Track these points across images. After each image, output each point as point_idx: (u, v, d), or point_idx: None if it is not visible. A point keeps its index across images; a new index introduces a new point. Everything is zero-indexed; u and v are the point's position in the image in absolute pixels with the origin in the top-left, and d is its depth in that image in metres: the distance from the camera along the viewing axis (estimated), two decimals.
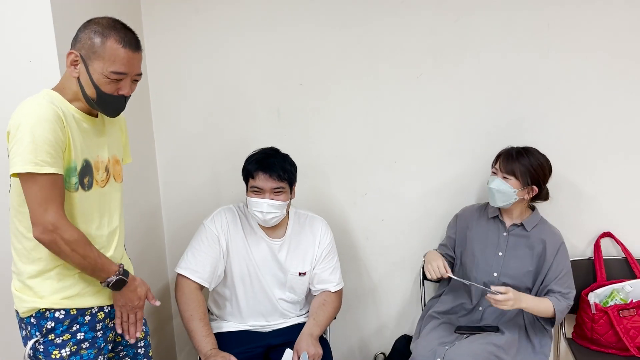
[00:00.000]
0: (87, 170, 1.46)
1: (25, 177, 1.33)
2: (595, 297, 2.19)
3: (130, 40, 1.43)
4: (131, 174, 2.21)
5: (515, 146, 2.09)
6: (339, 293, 2.12)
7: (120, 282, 1.49)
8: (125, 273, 1.51)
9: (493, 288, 1.90)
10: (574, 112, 2.26)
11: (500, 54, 2.25)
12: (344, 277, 2.41)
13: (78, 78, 1.43)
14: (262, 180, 1.91)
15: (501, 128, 2.30)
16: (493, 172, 2.09)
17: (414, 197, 2.41)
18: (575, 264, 2.28)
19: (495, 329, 2.04)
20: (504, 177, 2.03)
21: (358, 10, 2.28)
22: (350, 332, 2.58)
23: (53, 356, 1.45)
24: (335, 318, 2.18)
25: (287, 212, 2.06)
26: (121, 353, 1.66)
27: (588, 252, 2.35)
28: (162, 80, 2.39)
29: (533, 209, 2.14)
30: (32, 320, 1.45)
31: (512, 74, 2.26)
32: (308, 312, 2.12)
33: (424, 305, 2.38)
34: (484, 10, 2.23)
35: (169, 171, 2.49)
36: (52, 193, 1.34)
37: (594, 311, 2.16)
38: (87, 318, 1.50)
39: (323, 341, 2.02)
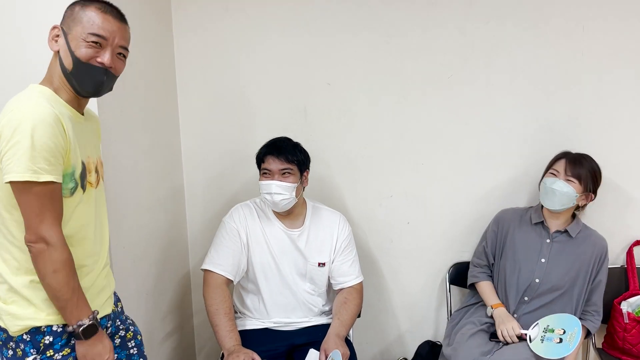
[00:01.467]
0: (84, 172, 1.37)
1: (21, 186, 1.22)
2: (627, 306, 2.13)
3: (112, 10, 1.36)
4: (156, 172, 2.23)
5: (572, 151, 2.07)
6: (359, 288, 2.11)
7: (92, 329, 1.33)
8: (90, 329, 1.33)
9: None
10: (607, 116, 2.22)
11: (533, 56, 2.22)
12: (367, 279, 2.39)
13: (58, 52, 1.33)
14: (270, 163, 1.97)
15: (532, 132, 2.26)
16: (552, 173, 2.03)
17: (440, 200, 2.38)
18: (608, 271, 2.23)
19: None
20: (568, 180, 1.98)
21: (388, 10, 2.27)
22: (372, 335, 2.54)
23: None
24: (359, 316, 2.16)
25: (303, 200, 2.10)
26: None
27: (620, 260, 2.29)
28: (189, 79, 2.40)
29: (574, 216, 2.11)
30: (25, 337, 1.31)
31: (544, 76, 2.23)
32: (331, 311, 2.11)
33: (450, 311, 2.34)
34: (516, 12, 2.20)
35: (194, 169, 2.49)
36: (50, 203, 1.25)
37: (626, 320, 2.10)
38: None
39: (347, 342, 2.00)
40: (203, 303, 2.06)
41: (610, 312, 2.19)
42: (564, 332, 1.89)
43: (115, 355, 1.52)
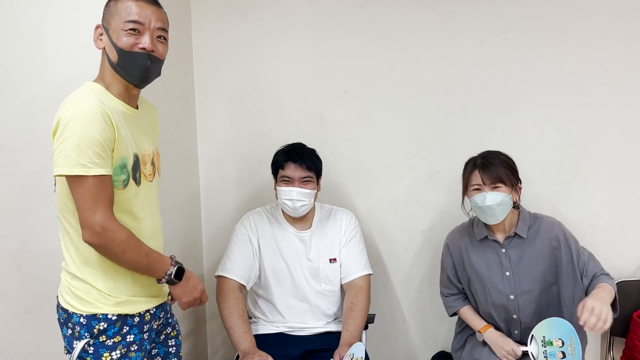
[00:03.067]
0: (137, 165, 1.42)
1: (72, 179, 1.29)
2: None
3: None
4: (173, 177, 2.24)
5: (474, 155, 1.97)
6: (366, 286, 2.08)
7: (179, 271, 1.45)
8: (179, 271, 1.46)
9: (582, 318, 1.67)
10: (628, 126, 2.20)
11: (552, 66, 2.21)
12: (380, 288, 2.40)
13: (104, 49, 1.40)
14: (291, 170, 1.99)
15: (551, 142, 2.24)
16: (476, 188, 1.89)
17: (456, 209, 2.34)
18: (625, 285, 2.21)
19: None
20: (494, 188, 1.86)
21: (406, 19, 2.29)
22: (384, 345, 2.51)
23: (103, 358, 1.40)
24: (372, 322, 2.16)
25: (314, 205, 2.11)
26: (153, 351, 1.60)
27: (638, 274, 2.25)
28: (207, 85, 2.43)
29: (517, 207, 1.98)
30: (82, 320, 1.39)
31: (563, 86, 2.22)
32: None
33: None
34: (535, 22, 2.21)
35: (210, 175, 2.51)
36: (100, 194, 1.30)
37: None
38: (137, 319, 1.45)
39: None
40: (216, 309, 2.07)
41: (629, 326, 2.15)
42: (563, 344, 1.80)
43: (156, 350, 1.59)
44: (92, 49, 1.75)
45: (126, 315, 1.42)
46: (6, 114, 1.85)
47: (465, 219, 2.13)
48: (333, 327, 2.09)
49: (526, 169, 2.15)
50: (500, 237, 1.97)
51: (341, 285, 2.12)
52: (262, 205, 2.24)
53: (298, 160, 1.99)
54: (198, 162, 2.50)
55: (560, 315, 1.91)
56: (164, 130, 2.16)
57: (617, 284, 2.16)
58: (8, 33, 1.81)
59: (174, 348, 1.65)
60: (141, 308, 1.45)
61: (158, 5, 1.44)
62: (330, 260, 2.09)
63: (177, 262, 1.46)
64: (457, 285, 2.11)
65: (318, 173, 2.06)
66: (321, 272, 2.08)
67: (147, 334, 1.49)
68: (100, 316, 1.39)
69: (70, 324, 1.42)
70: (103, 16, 1.42)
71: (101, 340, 1.40)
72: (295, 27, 2.35)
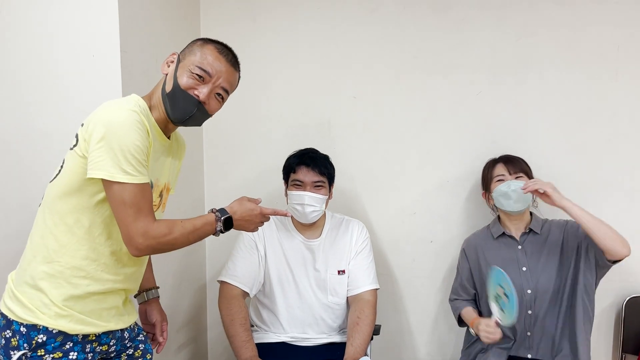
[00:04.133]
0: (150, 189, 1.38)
1: (113, 185, 1.24)
2: None
3: (229, 54, 1.42)
4: (178, 182, 2.19)
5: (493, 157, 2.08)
6: (373, 301, 2.02)
7: (227, 222, 1.40)
8: (222, 211, 1.41)
9: None
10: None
11: (565, 75, 2.18)
12: (386, 298, 2.34)
13: (165, 76, 1.40)
14: (303, 174, 1.95)
15: (563, 152, 2.20)
16: (500, 179, 1.98)
17: (465, 219, 2.32)
18: (637, 300, 2.18)
19: None
20: (518, 177, 1.96)
21: (417, 26, 2.26)
22: (390, 358, 2.45)
23: None
24: (378, 333, 2.11)
25: (324, 212, 2.07)
26: None
27: None
28: None
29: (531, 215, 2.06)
30: (22, 329, 1.28)
31: (576, 95, 2.18)
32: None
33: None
34: (548, 30, 2.17)
35: (215, 180, 2.47)
36: (144, 202, 1.27)
37: None
38: (80, 337, 1.33)
39: None
40: (218, 317, 2.02)
41: None
42: (504, 291, 1.77)
43: None
44: (100, 49, 1.74)
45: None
46: (11, 111, 1.81)
47: (476, 227, 2.12)
48: (337, 338, 2.04)
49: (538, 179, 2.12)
50: (516, 234, 2.01)
51: (347, 298, 2.07)
52: None
53: (311, 164, 1.95)
54: (203, 167, 2.46)
55: (575, 306, 1.92)
56: None
57: (629, 299, 2.16)
58: (15, 28, 1.78)
59: None
60: (84, 330, 1.33)
61: (236, 67, 1.45)
62: (339, 272, 2.03)
63: (220, 215, 1.40)
64: (470, 290, 2.10)
65: (330, 179, 2.02)
66: (328, 284, 2.02)
67: (92, 355, 1.37)
68: (41, 327, 1.28)
69: (8, 331, 1.30)
70: (184, 48, 1.43)
71: (39, 354, 1.28)
72: (304, 32, 2.32)
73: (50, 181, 1.36)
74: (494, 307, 1.83)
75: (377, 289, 2.06)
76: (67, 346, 1.31)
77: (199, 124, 1.46)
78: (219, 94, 1.42)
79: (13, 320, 1.30)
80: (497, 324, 1.81)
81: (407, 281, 2.41)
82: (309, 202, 1.93)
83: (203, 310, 2.52)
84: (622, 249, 1.78)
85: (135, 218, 1.25)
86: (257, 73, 2.36)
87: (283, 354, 1.94)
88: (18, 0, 1.77)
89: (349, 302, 2.05)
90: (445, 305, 2.37)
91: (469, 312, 2.06)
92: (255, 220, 1.48)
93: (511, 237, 2.01)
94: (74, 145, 1.32)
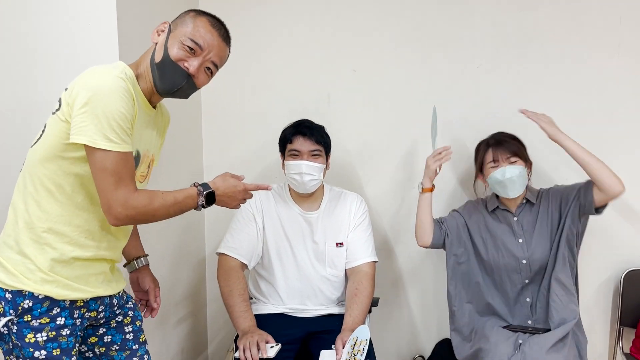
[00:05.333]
0: (136, 161, 1.36)
1: (95, 152, 1.22)
2: None
3: (221, 28, 1.40)
4: (176, 156, 2.19)
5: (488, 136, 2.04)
6: (371, 273, 2.02)
7: (210, 197, 1.38)
8: (205, 185, 1.39)
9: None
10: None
11: (567, 47, 2.16)
12: (385, 273, 2.35)
13: (155, 45, 1.37)
14: (300, 143, 1.95)
15: (564, 125, 2.17)
16: (493, 166, 1.96)
17: (464, 193, 2.32)
18: (635, 273, 2.18)
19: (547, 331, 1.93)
20: (511, 163, 1.93)
21: None
22: (387, 332, 2.46)
23: (27, 340, 1.27)
24: (376, 305, 2.11)
25: (322, 185, 2.07)
26: (105, 338, 1.47)
27: None
28: None
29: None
30: (7, 295, 1.27)
31: (578, 68, 2.16)
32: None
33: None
34: (549, 2, 2.15)
35: (213, 154, 2.46)
36: (124, 171, 1.24)
37: None
38: (67, 303, 1.32)
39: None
40: (217, 291, 2.02)
41: (639, 316, 2.10)
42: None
43: (110, 337, 1.47)
44: (97, 17, 1.72)
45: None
46: (6, 80, 1.79)
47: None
48: (335, 310, 2.04)
49: (537, 153, 2.11)
50: (512, 206, 2.02)
51: (345, 270, 2.07)
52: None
53: (307, 133, 1.95)
54: (202, 142, 2.45)
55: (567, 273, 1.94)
56: (168, 109, 2.12)
57: (627, 272, 2.18)
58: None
59: (132, 334, 1.51)
60: (70, 295, 1.31)
61: (227, 42, 1.43)
62: (337, 244, 2.03)
63: (202, 189, 1.37)
64: (443, 226, 2.09)
65: (327, 148, 2.01)
66: (327, 256, 2.02)
67: (80, 320, 1.36)
68: (27, 293, 1.27)
69: None
70: (176, 18, 1.40)
71: (26, 319, 1.27)
72: (304, 5, 2.30)
73: (32, 146, 1.34)
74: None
75: (375, 262, 2.06)
76: (54, 311, 1.30)
77: (186, 96, 1.43)
78: (208, 68, 1.39)
79: (0, 287, 1.28)
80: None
81: (405, 256, 2.41)
82: (306, 170, 1.92)
83: (202, 285, 2.53)
84: (617, 184, 1.83)
85: (116, 187, 1.23)
86: (255, 47, 2.34)
87: (281, 325, 1.95)
88: None
89: (347, 274, 2.05)
90: (444, 279, 2.35)
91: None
92: (238, 197, 1.47)
93: (506, 209, 2.03)
94: (57, 110, 1.29)
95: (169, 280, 2.19)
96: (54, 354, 1.29)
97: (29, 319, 1.28)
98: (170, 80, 1.35)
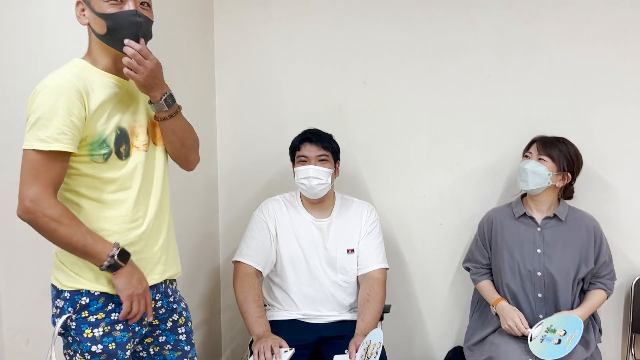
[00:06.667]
0: (122, 138, 1.37)
1: (25, 152, 1.27)
2: None
3: None
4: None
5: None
6: (382, 279, 2.06)
7: (124, 254, 1.34)
8: (123, 254, 1.33)
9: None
10: None
11: (573, 57, 2.19)
12: (396, 281, 2.38)
13: (89, 24, 1.36)
14: (307, 149, 2.01)
15: (571, 133, 2.21)
16: (526, 156, 2.03)
17: (474, 202, 2.34)
18: None
19: None
20: (540, 159, 1.98)
21: (425, 10, 2.29)
22: (399, 339, 2.47)
23: (85, 335, 1.34)
24: (388, 311, 2.14)
25: (333, 192, 2.12)
26: (160, 338, 1.54)
27: None
28: (228, 73, 2.45)
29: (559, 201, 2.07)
30: (67, 294, 1.36)
31: (585, 78, 2.20)
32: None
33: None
34: (556, 13, 2.19)
35: (228, 164, 2.52)
36: (45, 171, 1.26)
37: None
38: None
39: None
40: (232, 299, 2.07)
41: None
42: (565, 334, 1.83)
43: (165, 337, 1.53)
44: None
45: (112, 293, 1.36)
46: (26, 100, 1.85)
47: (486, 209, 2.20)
48: (348, 316, 2.07)
49: None
50: (538, 216, 2.04)
51: (357, 277, 2.10)
52: (279, 194, 2.23)
53: (313, 139, 2.02)
54: (217, 151, 2.51)
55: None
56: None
57: (638, 279, 2.17)
58: (23, 13, 1.81)
59: (184, 335, 1.58)
60: None
61: None
62: (348, 250, 2.07)
63: (121, 247, 1.34)
64: (480, 259, 2.14)
65: (335, 154, 2.06)
66: (338, 262, 2.06)
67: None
68: (83, 291, 1.35)
69: (58, 300, 1.38)
70: None
71: (83, 315, 1.35)
72: (316, 17, 2.36)
73: None
74: (539, 330, 1.88)
75: (386, 269, 2.09)
76: (109, 307, 1.37)
77: (150, 35, 1.40)
78: (142, 3, 1.36)
79: (61, 289, 1.37)
80: (526, 335, 1.89)
81: (417, 264, 2.44)
82: (313, 174, 1.97)
83: (217, 293, 2.57)
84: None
85: (30, 185, 1.25)
86: (269, 59, 2.41)
87: (295, 330, 1.98)
88: None
89: (359, 281, 2.09)
90: (456, 287, 2.40)
91: (487, 288, 2.10)
92: (140, 286, 1.37)
93: (532, 218, 2.04)
94: None
95: (184, 288, 2.22)
96: (110, 348, 1.36)
97: (86, 315, 1.35)
98: (128, 27, 1.32)
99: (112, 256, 1.31)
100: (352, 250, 2.07)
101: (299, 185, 2.03)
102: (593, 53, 2.18)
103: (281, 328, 1.96)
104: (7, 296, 1.99)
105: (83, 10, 1.36)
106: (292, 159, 2.09)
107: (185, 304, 1.62)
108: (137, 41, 1.34)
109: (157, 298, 1.48)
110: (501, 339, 1.97)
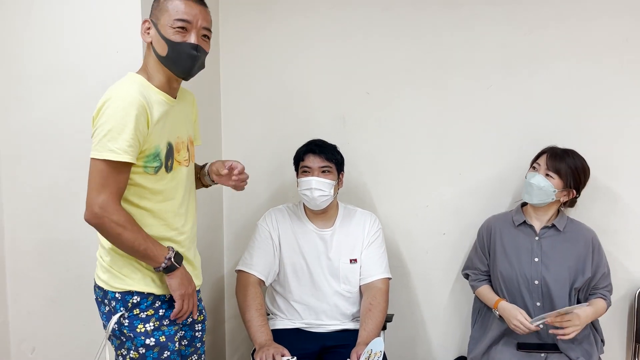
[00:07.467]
0: (170, 153, 1.50)
1: (93, 161, 1.38)
2: None
3: None
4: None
5: (559, 146, 2.06)
6: (385, 289, 2.07)
7: (179, 256, 1.50)
8: (177, 256, 1.50)
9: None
10: None
11: (576, 67, 2.21)
12: (399, 290, 2.38)
13: (151, 43, 1.48)
14: (310, 160, 2.03)
15: (575, 143, 2.22)
16: (534, 167, 2.03)
17: (477, 211, 2.33)
18: None
19: (555, 347, 1.97)
20: (547, 175, 1.98)
21: (428, 22, 2.31)
22: (403, 349, 2.48)
23: (138, 330, 1.47)
24: (391, 321, 2.15)
25: (336, 203, 2.14)
26: (179, 333, 1.63)
27: None
28: (233, 84, 2.48)
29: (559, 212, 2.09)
30: (117, 295, 1.48)
31: (587, 88, 2.21)
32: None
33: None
34: (558, 24, 2.21)
35: None
36: (111, 180, 1.37)
37: None
38: (167, 297, 1.53)
39: None
40: (236, 308, 2.09)
41: None
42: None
43: (182, 332, 1.62)
44: (123, 44, 1.84)
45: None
46: (40, 110, 1.92)
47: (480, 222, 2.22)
48: (350, 325, 2.08)
49: None
50: (537, 225, 2.05)
51: (359, 287, 2.11)
52: (283, 204, 2.26)
53: (317, 150, 2.04)
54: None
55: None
56: None
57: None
58: (41, 27, 1.89)
59: (200, 333, 1.70)
60: (167, 290, 1.51)
61: (204, 5, 1.52)
62: (351, 260, 2.08)
63: (176, 251, 1.50)
64: (479, 266, 2.15)
65: (338, 166, 2.08)
66: (341, 272, 2.07)
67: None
68: (134, 291, 1.47)
69: (106, 300, 1.50)
70: (151, 11, 1.51)
71: (135, 313, 1.48)
72: (320, 29, 2.39)
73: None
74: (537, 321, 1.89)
75: (389, 279, 2.10)
76: (157, 304, 1.50)
77: (203, 66, 1.54)
78: (204, 35, 1.50)
79: (108, 290, 1.48)
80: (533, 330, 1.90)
81: (420, 273, 2.44)
82: (316, 186, 1.99)
83: (221, 302, 2.59)
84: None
85: (99, 192, 1.37)
86: (273, 70, 2.44)
87: (298, 339, 1.99)
88: (41, 1, 1.88)
89: (361, 290, 2.10)
90: (459, 297, 2.41)
91: (486, 291, 2.10)
92: (190, 287, 1.54)
93: (531, 226, 2.05)
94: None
95: None
96: (161, 340, 1.49)
97: (138, 312, 1.48)
98: (186, 58, 1.46)
99: (169, 258, 1.47)
100: (355, 260, 2.08)
101: (302, 196, 2.05)
102: (595, 63, 2.19)
103: (284, 337, 1.97)
104: (14, 304, 2.02)
105: (149, 29, 1.49)
106: (296, 170, 2.11)
107: (203, 306, 1.73)
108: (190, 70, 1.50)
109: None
110: (502, 356, 1.98)
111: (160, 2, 1.48)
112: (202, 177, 1.75)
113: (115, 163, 1.36)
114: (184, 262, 1.53)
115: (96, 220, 1.38)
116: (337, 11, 2.37)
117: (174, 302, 1.52)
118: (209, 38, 1.53)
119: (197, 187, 1.73)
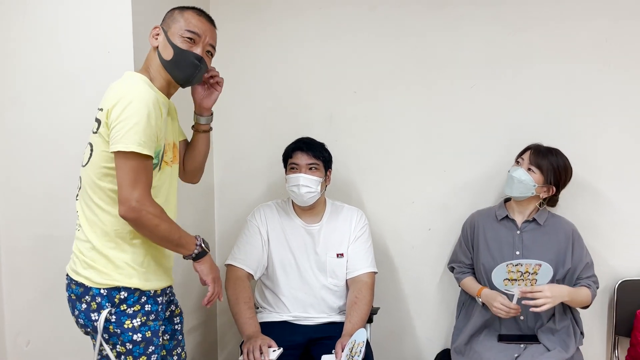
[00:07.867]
0: (163, 152, 1.56)
1: (123, 155, 1.40)
2: None
3: (206, 15, 1.60)
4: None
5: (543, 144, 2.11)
6: (370, 283, 2.12)
7: (206, 243, 1.59)
8: (205, 243, 1.59)
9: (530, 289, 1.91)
10: (631, 125, 2.25)
11: (558, 66, 2.26)
12: (386, 285, 2.44)
13: (157, 48, 1.55)
14: (298, 157, 2.08)
15: (557, 141, 2.27)
16: (518, 162, 2.09)
17: (463, 207, 2.39)
18: (628, 284, 2.25)
19: (534, 339, 2.03)
20: (529, 169, 2.03)
21: (414, 22, 2.36)
22: (389, 342, 2.54)
23: (126, 326, 1.49)
24: (376, 314, 2.21)
25: (324, 199, 2.19)
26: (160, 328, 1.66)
27: None
28: (224, 85, 2.51)
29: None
30: (103, 291, 1.48)
31: (569, 87, 2.27)
32: None
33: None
34: (542, 24, 2.27)
35: (224, 172, 2.60)
36: (143, 174, 1.42)
37: None
38: (152, 292, 1.56)
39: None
40: (227, 303, 2.13)
41: (633, 323, 2.16)
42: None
43: (164, 326, 1.66)
44: (115, 46, 1.88)
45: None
46: (33, 109, 1.97)
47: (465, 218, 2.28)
48: (337, 318, 2.14)
49: None
50: (519, 219, 2.12)
51: (346, 280, 2.16)
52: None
53: (304, 148, 2.09)
54: (213, 160, 2.59)
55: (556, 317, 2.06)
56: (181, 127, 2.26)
57: (621, 283, 2.24)
58: (32, 28, 1.94)
59: (179, 325, 1.75)
60: (153, 285, 1.55)
61: (214, 25, 1.63)
62: (338, 255, 2.14)
63: (202, 238, 1.59)
64: (464, 259, 2.21)
65: (326, 163, 2.13)
66: (328, 266, 2.13)
67: (161, 306, 1.59)
68: (120, 287, 1.49)
69: (87, 297, 1.50)
70: (164, 20, 1.59)
71: (122, 309, 1.49)
72: (307, 29, 2.44)
73: (83, 166, 1.53)
74: (517, 291, 1.93)
75: (375, 273, 2.16)
76: (143, 299, 1.52)
77: (200, 79, 1.62)
78: (208, 51, 1.59)
79: (91, 287, 1.49)
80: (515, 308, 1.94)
81: (407, 268, 2.50)
82: (303, 182, 2.04)
83: None
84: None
85: (134, 187, 1.41)
86: (262, 69, 2.49)
87: (285, 331, 2.05)
88: (34, 1, 1.92)
89: (348, 284, 2.15)
90: (445, 291, 2.46)
91: (470, 282, 2.17)
92: (217, 271, 1.66)
93: (513, 220, 2.12)
94: (97, 129, 1.48)
95: (181, 291, 2.28)
96: (147, 335, 1.51)
97: (125, 308, 1.49)
98: (187, 68, 1.54)
99: (200, 245, 1.56)
100: (342, 255, 2.14)
101: (290, 192, 2.11)
102: (576, 63, 2.25)
103: (272, 329, 2.03)
104: (9, 298, 2.07)
105: (158, 34, 1.57)
106: (285, 166, 2.16)
107: (177, 299, 1.77)
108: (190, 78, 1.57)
109: (167, 292, 1.67)
110: (483, 346, 2.04)
111: (174, 13, 1.57)
112: (196, 126, 1.79)
113: (143, 157, 1.41)
114: (161, 260, 1.59)
115: (134, 215, 1.41)
116: (324, 11, 2.42)
117: (159, 297, 1.56)
118: (212, 55, 1.62)
119: (200, 144, 1.79)
